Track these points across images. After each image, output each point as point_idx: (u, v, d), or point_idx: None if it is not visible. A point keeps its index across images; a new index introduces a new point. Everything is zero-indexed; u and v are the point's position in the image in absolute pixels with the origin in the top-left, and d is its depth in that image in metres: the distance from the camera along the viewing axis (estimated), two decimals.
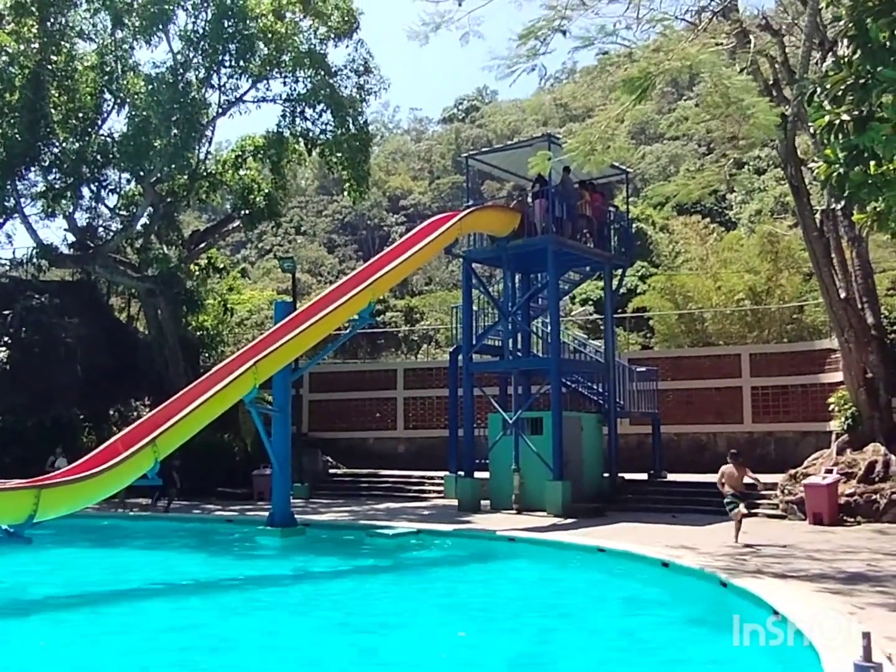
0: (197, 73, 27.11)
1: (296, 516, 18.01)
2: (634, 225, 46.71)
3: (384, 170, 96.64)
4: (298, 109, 28.16)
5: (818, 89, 11.14)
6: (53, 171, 28.29)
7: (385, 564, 14.99)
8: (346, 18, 27.74)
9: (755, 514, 18.78)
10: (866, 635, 5.07)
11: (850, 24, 10.47)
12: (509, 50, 15.11)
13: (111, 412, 30.09)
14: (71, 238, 30.80)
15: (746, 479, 15.53)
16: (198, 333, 31.29)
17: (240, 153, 30.23)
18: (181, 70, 26.40)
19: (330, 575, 14.00)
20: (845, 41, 11.62)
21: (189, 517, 20.76)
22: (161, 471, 20.86)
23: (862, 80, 10.28)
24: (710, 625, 9.83)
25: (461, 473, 21.89)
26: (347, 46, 28.27)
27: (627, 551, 13.55)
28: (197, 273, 30.96)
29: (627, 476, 22.44)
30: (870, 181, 10.95)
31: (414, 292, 66.46)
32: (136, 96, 26.45)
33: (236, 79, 27.82)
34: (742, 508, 14.93)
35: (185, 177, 28.84)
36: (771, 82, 19.19)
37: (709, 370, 26.29)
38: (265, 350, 15.68)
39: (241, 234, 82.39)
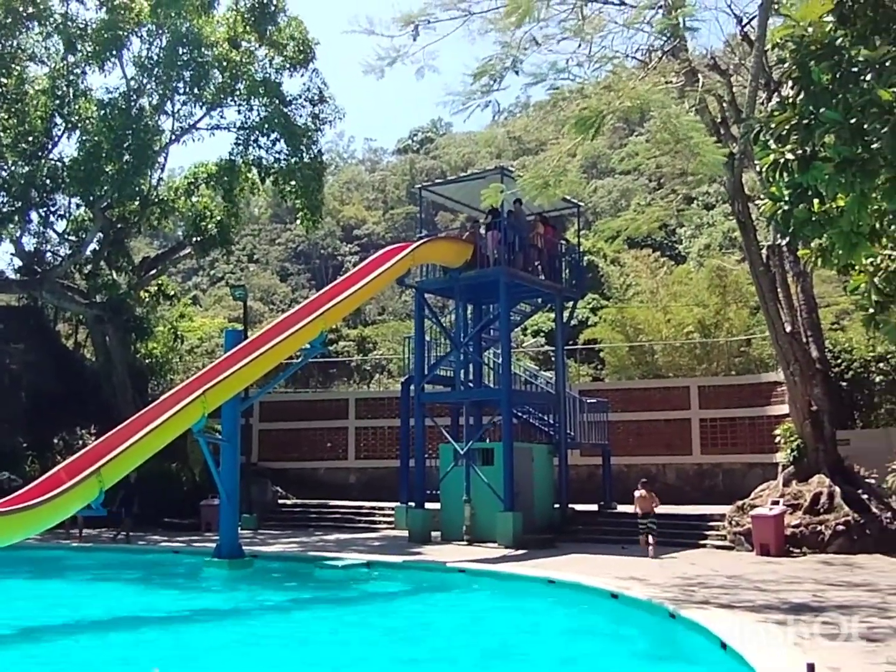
0: (150, 99, 27.01)
1: (244, 548, 17.76)
2: (586, 258, 47.28)
3: (338, 199, 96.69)
4: (252, 137, 28.16)
5: (764, 128, 11.42)
6: (1, 194, 27.86)
7: (332, 596, 14.83)
8: (302, 48, 27.88)
9: (704, 546, 19.00)
10: (811, 666, 5.12)
11: (794, 67, 10.77)
12: (464, 85, 15.28)
13: (56, 440, 29.53)
14: (18, 263, 30.43)
15: (655, 504, 18.21)
16: (147, 361, 30.89)
17: (192, 180, 30.09)
18: (134, 96, 26.27)
19: (275, 607, 13.79)
20: (789, 83, 11.96)
21: (134, 548, 20.38)
22: (119, 500, 20.88)
23: (805, 121, 10.54)
24: (657, 656, 9.88)
25: (412, 504, 21.77)
26: (303, 76, 28.46)
27: (577, 582, 13.57)
28: (147, 300, 30.61)
29: (578, 507, 22.49)
30: (814, 218, 11.22)
31: (367, 322, 66.35)
32: (87, 121, 26.23)
33: (190, 106, 27.83)
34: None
35: (137, 203, 28.62)
36: (719, 120, 19.62)
37: (658, 402, 26.59)
38: (214, 379, 15.51)
39: (192, 262, 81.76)
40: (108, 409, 28.00)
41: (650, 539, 17.62)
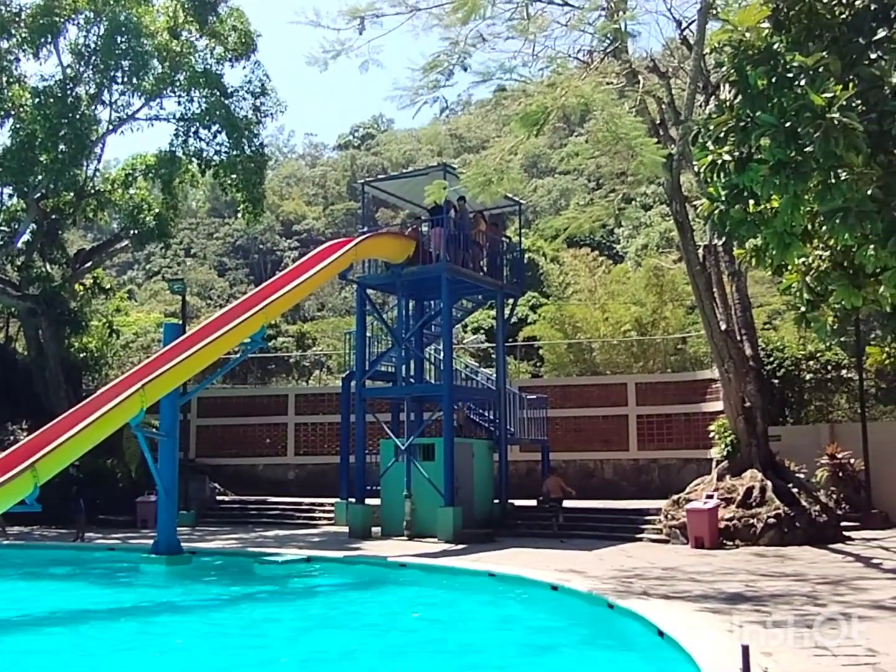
0: (87, 88, 26.43)
1: (184, 544, 17.56)
2: (526, 256, 47.77)
3: (278, 194, 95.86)
4: (192, 129, 27.75)
5: (702, 130, 11.71)
6: None
7: (271, 591, 14.77)
8: (244, 40, 27.60)
9: (640, 539, 19.34)
10: (745, 648, 5.30)
11: (732, 71, 11.07)
12: (411, 81, 15.33)
13: None
14: None
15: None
16: (81, 355, 30.22)
17: (130, 172, 29.54)
18: (70, 84, 25.68)
19: (212, 603, 13.68)
20: (727, 86, 12.26)
21: (68, 545, 19.97)
22: (72, 497, 20.53)
23: (742, 124, 10.86)
24: (597, 644, 10.06)
25: (352, 500, 21.78)
26: (244, 67, 28.18)
27: (517, 575, 13.70)
28: (82, 293, 29.98)
29: (518, 502, 22.70)
30: (749, 218, 11.56)
31: (306, 318, 65.97)
32: (21, 109, 25.58)
33: (128, 96, 27.30)
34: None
35: (72, 194, 28.03)
36: (658, 122, 19.99)
37: (596, 398, 26.99)
38: (153, 372, 15.30)
39: (128, 255, 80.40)
40: (41, 403, 27.40)
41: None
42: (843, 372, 23.53)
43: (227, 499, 27.39)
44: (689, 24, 19.73)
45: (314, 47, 15.99)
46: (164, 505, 17.14)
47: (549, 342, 35.05)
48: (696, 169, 16.82)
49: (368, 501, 21.66)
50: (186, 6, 26.75)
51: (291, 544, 19.41)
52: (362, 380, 22.04)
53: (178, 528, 22.75)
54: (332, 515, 23.81)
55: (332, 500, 23.92)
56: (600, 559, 16.10)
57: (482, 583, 13.91)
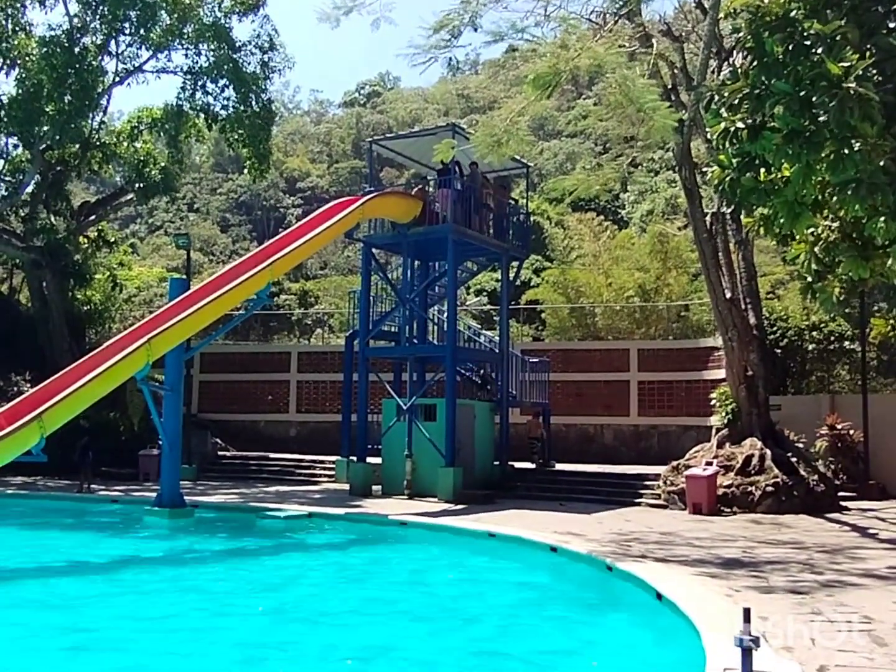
0: (94, 38, 26.17)
1: (186, 497, 17.73)
2: (531, 219, 47.61)
3: (282, 151, 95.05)
4: (199, 83, 27.54)
5: (716, 97, 11.63)
6: None
7: (273, 545, 14.95)
8: None
9: (639, 504, 19.51)
10: (747, 611, 5.39)
11: (748, 37, 10.96)
12: (421, 38, 15.17)
13: None
14: None
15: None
16: (84, 308, 30.25)
17: (136, 125, 29.37)
18: (77, 34, 25.44)
19: (215, 555, 13.87)
20: (743, 52, 12.15)
21: (73, 496, 20.18)
22: (79, 450, 20.69)
23: (757, 91, 10.77)
24: (595, 605, 10.22)
25: (353, 458, 21.94)
26: (253, 21, 27.86)
27: (518, 536, 13.86)
28: (86, 246, 29.94)
29: (518, 465, 22.88)
30: (760, 187, 11.52)
31: (309, 276, 65.88)
32: (27, 58, 25.34)
33: (136, 47, 27.05)
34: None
35: (77, 146, 27.88)
36: (670, 87, 19.81)
37: (598, 363, 27.03)
38: (159, 327, 15.34)
39: (131, 209, 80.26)
40: (44, 355, 27.52)
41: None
42: (846, 343, 23.55)
43: (228, 454, 27.59)
44: None
45: (325, 2, 15.80)
46: (168, 459, 17.28)
47: (552, 305, 35.04)
48: (707, 135, 16.73)
49: (369, 460, 21.82)
50: None
51: (292, 500, 19.61)
52: (366, 339, 22.10)
53: (181, 482, 23.19)
54: (332, 473, 23.99)
55: (333, 458, 24.09)
56: (599, 522, 16.26)
57: (482, 543, 14.06)
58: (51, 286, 27.90)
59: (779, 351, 23.77)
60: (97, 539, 15.50)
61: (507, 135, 15.34)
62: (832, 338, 23.72)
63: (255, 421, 29.73)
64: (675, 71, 20.00)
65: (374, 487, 21.56)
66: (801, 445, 20.39)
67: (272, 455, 26.88)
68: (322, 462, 25.27)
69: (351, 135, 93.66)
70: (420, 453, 20.74)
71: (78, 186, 58.44)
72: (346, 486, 21.81)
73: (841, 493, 19.21)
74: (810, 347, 23.91)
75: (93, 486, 21.35)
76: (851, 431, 20.94)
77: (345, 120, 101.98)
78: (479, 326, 29.47)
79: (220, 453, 27.50)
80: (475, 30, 14.91)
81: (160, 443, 20.01)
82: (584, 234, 40.19)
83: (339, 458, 23.59)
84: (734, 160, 11.56)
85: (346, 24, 18.33)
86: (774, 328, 23.93)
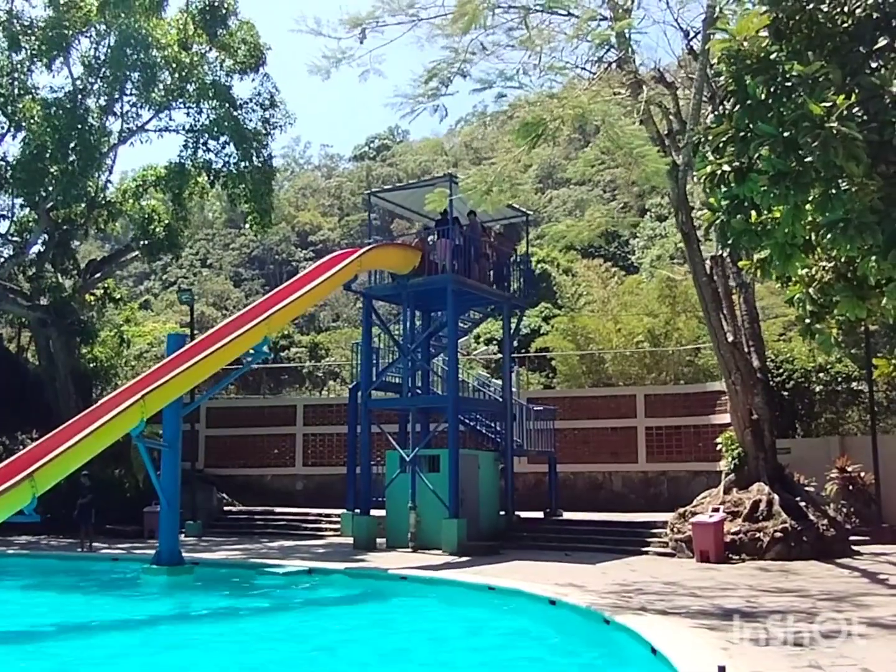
0: (98, 99, 26.58)
1: (187, 554, 17.56)
2: (540, 266, 47.69)
3: (293, 205, 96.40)
4: (201, 140, 27.87)
5: (703, 140, 11.61)
6: None
7: (270, 604, 14.72)
8: (253, 52, 27.73)
9: (646, 553, 19.12)
10: (721, 669, 5.18)
11: (731, 80, 10.96)
12: (412, 88, 15.30)
13: None
14: None
15: None
16: (91, 365, 30.33)
17: (141, 183, 29.70)
18: (80, 96, 25.85)
19: (211, 615, 13.64)
20: (727, 95, 12.12)
21: (73, 555, 20.01)
22: (79, 508, 20.56)
23: (742, 134, 10.73)
24: (589, 660, 9.94)
25: (358, 511, 21.70)
26: (254, 80, 28.28)
27: (517, 589, 13.58)
28: (93, 303, 30.12)
29: (525, 514, 22.58)
30: (750, 229, 11.43)
31: (321, 328, 66.13)
32: (32, 121, 25.71)
33: (138, 107, 27.42)
34: None
35: (83, 205, 28.21)
36: (665, 132, 19.88)
37: (605, 410, 26.78)
38: (154, 382, 15.30)
39: (144, 266, 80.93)
40: (51, 413, 27.46)
41: None
42: (854, 384, 23.26)
43: (234, 509, 27.38)
44: (696, 34, 19.60)
45: (317, 55, 15.98)
46: (167, 515, 17.11)
47: (562, 353, 34.91)
48: (695, 179, 16.69)
49: (374, 513, 21.58)
50: (196, 19, 26.89)
51: (295, 555, 19.38)
52: (368, 391, 21.99)
53: (185, 539, 22.99)
54: (338, 526, 23.73)
55: (339, 512, 23.84)
56: (603, 573, 15.93)
57: (481, 596, 13.79)
58: (57, 344, 28.02)
59: (786, 393, 23.49)
60: (90, 599, 15.30)
61: (499, 183, 15.38)
62: (839, 379, 23.43)
63: (261, 475, 29.55)
64: (670, 117, 20.09)
65: (379, 540, 21.29)
66: (811, 489, 20.05)
67: (278, 510, 26.65)
68: (328, 516, 25.02)
69: (361, 188, 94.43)
70: (424, 505, 20.48)
71: (92, 245, 59.20)
72: (351, 540, 21.54)
73: (853, 538, 18.79)
74: (818, 389, 23.62)
75: (95, 544, 21.16)
76: (862, 473, 20.58)
77: (355, 173, 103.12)
78: (489, 376, 29.34)
79: (225, 508, 27.31)
80: (464, 77, 15.01)
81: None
82: (592, 280, 40.17)
83: (344, 511, 23.33)
84: (724, 203, 11.47)
85: (352, 80, 18.49)
86: (780, 370, 23.68)
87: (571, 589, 13.31)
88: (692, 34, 20.20)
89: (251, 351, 17.29)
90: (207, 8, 26.68)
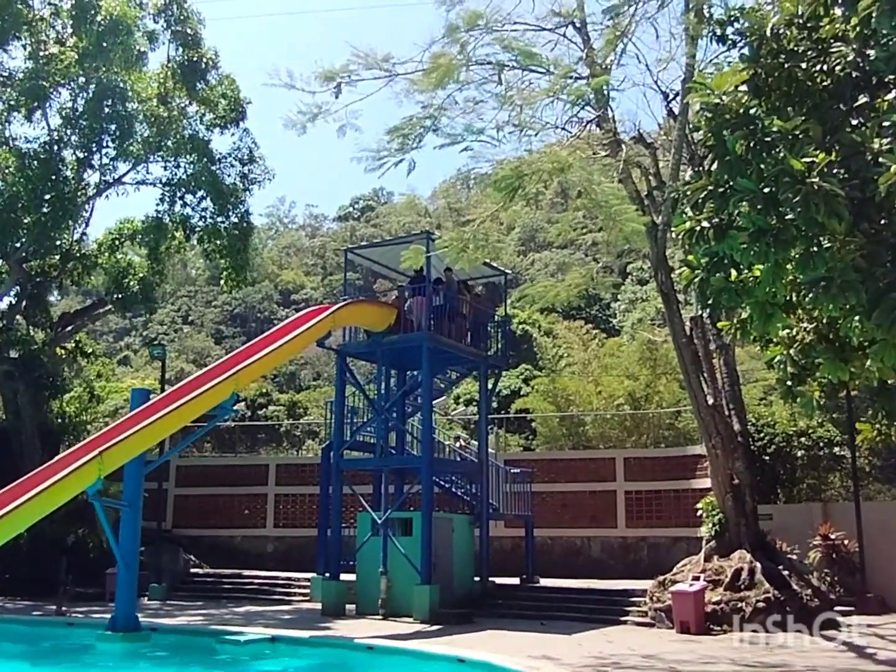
0: (74, 151, 26.33)
1: (147, 620, 16.80)
2: (521, 328, 47.49)
3: (277, 263, 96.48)
4: (178, 195, 27.58)
5: (681, 197, 11.35)
6: None
7: None
8: (234, 107, 27.63)
9: (625, 622, 18.43)
10: None
11: (710, 135, 10.74)
12: (378, 144, 15.08)
13: None
14: None
15: None
16: (58, 421, 29.54)
17: (117, 236, 29.34)
18: (57, 147, 25.59)
19: None
20: (704, 151, 11.90)
21: (24, 619, 19.09)
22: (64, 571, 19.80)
23: (721, 189, 10.47)
24: None
25: (327, 575, 20.95)
26: (233, 134, 28.12)
27: (487, 662, 12.90)
28: (63, 357, 29.48)
29: (501, 580, 21.86)
30: (730, 287, 11.10)
31: (301, 387, 65.45)
32: (6, 171, 25.39)
33: (115, 160, 27.15)
34: None
35: (58, 257, 27.79)
36: (645, 193, 19.73)
37: (584, 473, 26.23)
38: (113, 438, 14.70)
39: (125, 322, 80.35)
40: (16, 469, 26.58)
41: None
42: (836, 449, 22.83)
43: (201, 571, 26.46)
44: (675, 95, 19.60)
45: (293, 110, 15.78)
46: (124, 579, 16.29)
47: (542, 414, 34.47)
48: (673, 236, 16.44)
49: (346, 577, 20.83)
50: (177, 73, 26.80)
51: (260, 622, 18.60)
52: (340, 450, 21.39)
53: (148, 602, 22.17)
54: (308, 591, 22.92)
55: (309, 575, 23.05)
56: (579, 644, 15.27)
57: (448, 669, 13.10)
58: (24, 398, 27.28)
59: (767, 458, 22.99)
60: (37, 670, 14.43)
61: (474, 241, 15.09)
62: (821, 444, 23.00)
63: (231, 536, 28.67)
64: (650, 177, 19.97)
65: (350, 606, 20.51)
66: (794, 557, 19.43)
67: (247, 573, 25.75)
68: (297, 580, 24.20)
69: (345, 247, 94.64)
70: (396, 570, 19.76)
71: (74, 300, 58.55)
72: (321, 606, 20.73)
73: (837, 608, 18.15)
74: (799, 454, 23.15)
75: (50, 606, 20.29)
76: (846, 541, 20.03)
77: (339, 234, 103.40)
78: (469, 437, 28.79)
79: (192, 571, 26.40)
80: (435, 132, 14.78)
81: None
82: (572, 342, 39.97)
83: (314, 575, 22.55)
84: (703, 260, 11.16)
85: (338, 141, 18.24)
86: (762, 434, 23.23)
87: (545, 662, 12.68)
88: (671, 96, 20.26)
89: (218, 407, 16.72)
90: (187, 62, 26.61)
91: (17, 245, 25.90)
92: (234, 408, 17.38)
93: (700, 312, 18.61)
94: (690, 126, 17.15)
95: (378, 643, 15.22)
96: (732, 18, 12.11)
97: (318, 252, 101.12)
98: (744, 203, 10.00)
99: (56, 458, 15.54)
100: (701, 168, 15.97)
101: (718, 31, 12.28)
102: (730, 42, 12.62)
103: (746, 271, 10.92)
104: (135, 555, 16.48)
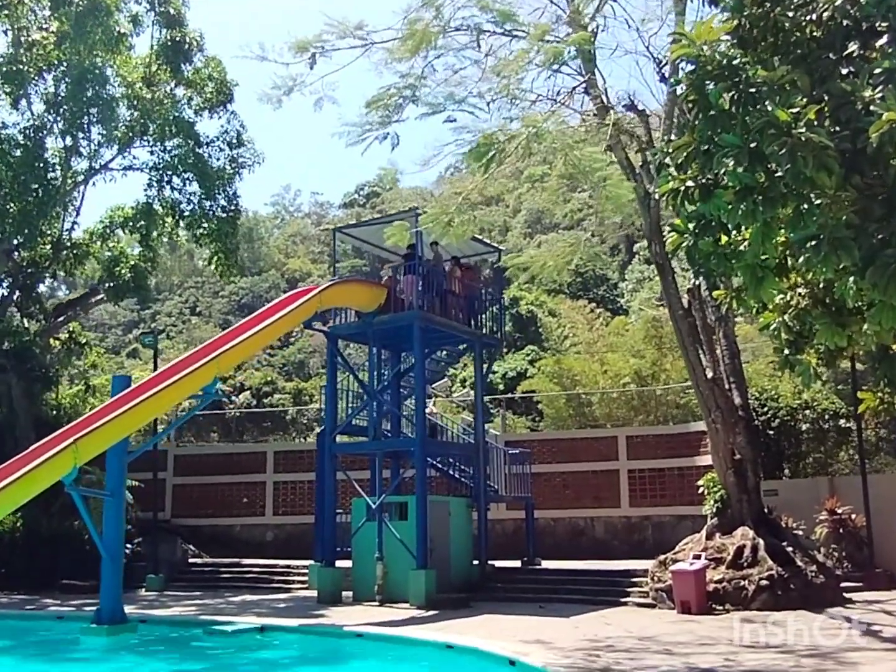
0: (58, 138, 25.88)
1: (140, 611, 16.54)
2: (527, 309, 46.92)
3: (283, 252, 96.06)
4: (165, 178, 27.09)
5: (665, 156, 10.75)
6: None
7: (212, 665, 13.55)
8: (220, 89, 27.08)
9: (626, 603, 17.93)
10: None
11: (691, 89, 10.14)
12: (360, 118, 14.53)
13: None
14: None
15: None
16: (53, 412, 29.16)
17: (108, 224, 28.89)
18: (40, 134, 25.10)
19: None
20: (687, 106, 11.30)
21: (12, 613, 18.75)
22: None
23: (705, 147, 9.88)
24: None
25: (324, 562, 20.52)
26: (220, 118, 27.57)
27: (476, 648, 12.44)
28: (57, 348, 29.10)
29: (502, 563, 21.42)
30: (718, 251, 10.52)
31: (310, 375, 65.14)
32: None
33: (101, 145, 26.68)
34: None
35: (49, 247, 27.38)
36: (640, 164, 19.08)
37: (586, 452, 25.69)
38: (89, 426, 14.26)
39: (134, 315, 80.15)
40: None
41: None
42: (842, 422, 22.20)
43: (199, 561, 26.09)
44: (667, 61, 18.95)
45: (266, 84, 15.23)
46: (109, 570, 15.90)
47: (547, 394, 33.97)
48: (657, 198, 15.83)
49: (341, 564, 20.41)
50: (160, 54, 26.26)
51: (253, 611, 18.24)
52: (332, 435, 20.92)
53: (145, 594, 21.86)
54: (307, 579, 22.53)
55: (307, 563, 22.66)
56: (576, 627, 14.78)
57: (437, 655, 12.65)
58: (17, 390, 26.89)
59: (771, 432, 22.42)
60: (20, 665, 14.04)
61: (459, 214, 14.54)
62: (827, 416, 22.39)
63: (230, 525, 28.30)
64: (643, 146, 19.33)
65: (346, 593, 20.08)
66: (800, 532, 18.94)
67: (246, 561, 25.38)
68: (297, 567, 23.81)
69: (333, 227, 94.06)
70: (392, 555, 19.31)
71: (73, 291, 58.21)
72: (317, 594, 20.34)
73: (845, 584, 17.62)
74: (804, 427, 22.56)
75: (45, 600, 20.00)
76: (853, 516, 19.48)
77: (345, 220, 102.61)
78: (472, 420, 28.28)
79: (191, 561, 26.04)
80: (415, 103, 14.21)
81: (126, 551, 18.88)
82: (577, 322, 39.46)
83: (312, 562, 22.17)
84: (690, 224, 10.56)
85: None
86: (765, 408, 22.63)
87: (537, 646, 12.21)
88: (664, 62, 19.60)
89: (200, 392, 16.26)
90: (171, 43, 26.05)
91: (3, 234, 25.41)
92: (219, 391, 16.82)
93: (696, 283, 18.02)
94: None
95: (368, 630, 14.77)
96: None
97: (324, 240, 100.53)
98: (729, 159, 9.43)
99: (34, 446, 15.02)
100: (685, 126, 15.41)
101: None
102: (723, 3, 12.01)
103: (736, 235, 10.35)
104: (119, 545, 16.13)
